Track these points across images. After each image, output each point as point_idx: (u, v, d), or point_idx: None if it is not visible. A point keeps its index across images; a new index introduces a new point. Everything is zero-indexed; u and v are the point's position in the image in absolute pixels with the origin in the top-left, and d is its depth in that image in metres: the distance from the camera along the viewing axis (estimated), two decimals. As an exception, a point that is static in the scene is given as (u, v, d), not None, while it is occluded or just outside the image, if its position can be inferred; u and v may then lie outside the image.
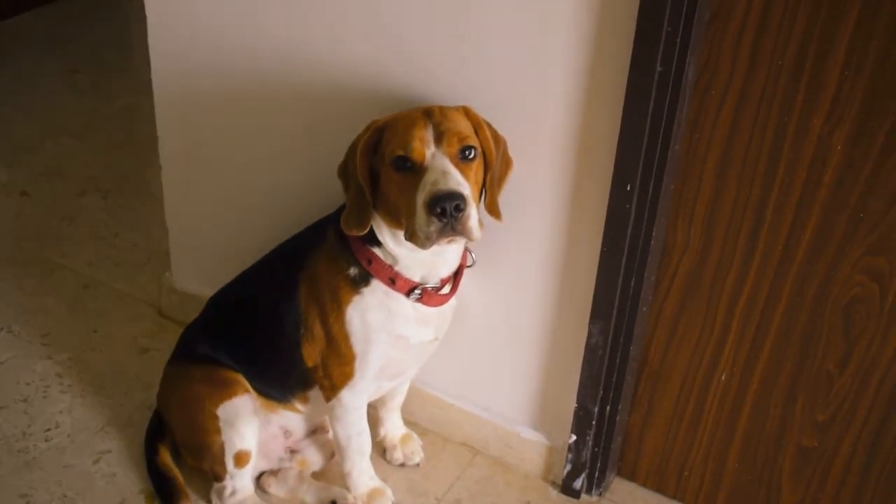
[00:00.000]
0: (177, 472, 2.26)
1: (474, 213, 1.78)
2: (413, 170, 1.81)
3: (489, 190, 1.92)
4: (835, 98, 1.74)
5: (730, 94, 1.83)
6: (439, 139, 1.81)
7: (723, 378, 2.11)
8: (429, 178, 1.78)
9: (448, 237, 1.79)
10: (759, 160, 1.86)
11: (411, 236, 1.81)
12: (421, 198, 1.77)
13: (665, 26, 1.75)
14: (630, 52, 1.80)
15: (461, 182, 1.78)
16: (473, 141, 1.85)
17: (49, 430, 2.45)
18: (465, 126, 1.85)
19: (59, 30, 4.65)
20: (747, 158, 1.87)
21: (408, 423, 2.46)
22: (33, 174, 3.51)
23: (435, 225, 1.76)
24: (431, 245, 1.80)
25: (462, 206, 1.75)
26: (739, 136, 1.86)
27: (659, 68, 1.79)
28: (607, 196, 1.95)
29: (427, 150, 1.81)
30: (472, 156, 1.84)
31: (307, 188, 2.32)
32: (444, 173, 1.78)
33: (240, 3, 2.20)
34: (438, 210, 1.74)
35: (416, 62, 2.04)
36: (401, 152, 1.81)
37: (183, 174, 2.57)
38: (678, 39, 1.76)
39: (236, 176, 2.46)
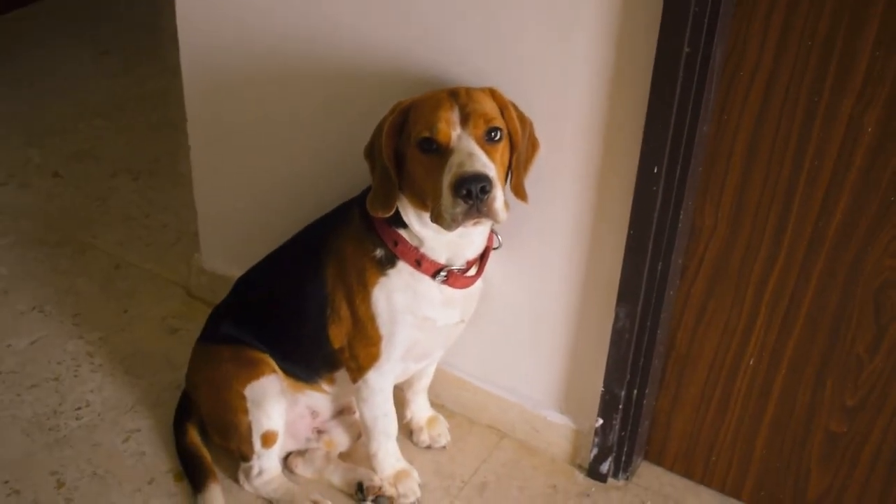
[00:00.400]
0: (205, 452, 2.28)
1: (500, 195, 1.78)
2: (439, 151, 1.81)
3: (515, 171, 1.91)
4: (866, 79, 1.72)
5: (759, 75, 1.81)
6: (465, 120, 1.81)
7: (751, 362, 2.09)
8: (454, 159, 1.77)
9: (474, 219, 1.78)
10: (789, 142, 1.84)
11: (437, 218, 1.81)
12: (447, 179, 1.77)
13: (692, 6, 1.72)
14: (657, 34, 1.78)
15: (487, 164, 1.78)
16: (499, 122, 1.84)
17: (79, 408, 2.48)
18: (491, 107, 1.85)
19: (90, 12, 4.69)
20: (777, 140, 1.85)
21: (434, 405, 2.46)
22: (65, 156, 3.54)
23: (461, 207, 1.75)
24: (457, 227, 1.79)
25: (488, 187, 1.74)
26: (769, 117, 1.84)
27: (686, 49, 1.77)
28: (634, 178, 1.93)
29: (453, 131, 1.80)
30: (497, 137, 1.83)
31: (334, 170, 2.32)
32: (470, 155, 1.77)
33: (267, -16, 2.21)
34: (464, 192, 1.73)
35: (443, 44, 2.03)
36: (426, 133, 1.81)
37: (211, 156, 2.58)
38: (706, 20, 1.74)
39: (264, 158, 2.47)
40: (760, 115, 1.84)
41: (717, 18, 1.74)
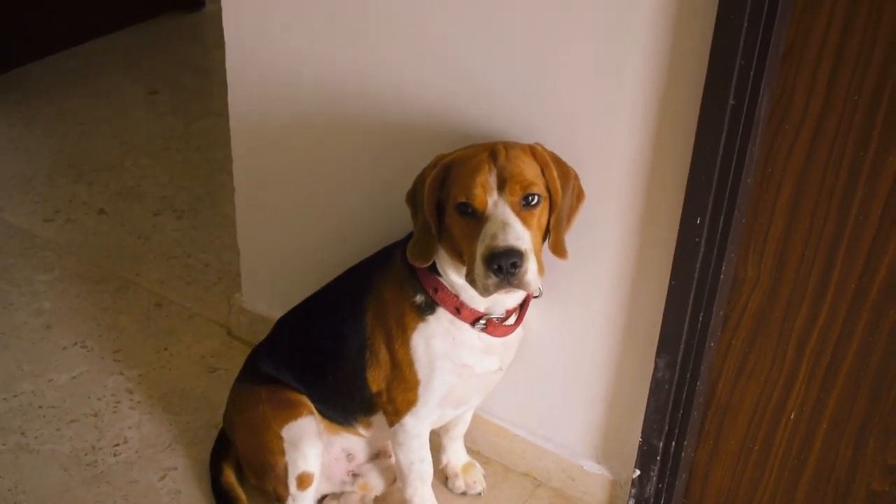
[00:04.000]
0: (240, 492, 2.28)
1: (532, 268, 1.78)
2: (475, 216, 1.82)
3: (554, 231, 1.90)
4: (913, 134, 1.71)
5: (804, 128, 1.80)
6: (502, 186, 1.81)
7: (792, 416, 2.07)
8: (488, 229, 1.78)
9: (505, 289, 1.80)
10: (833, 196, 1.83)
11: (471, 282, 1.83)
12: (479, 249, 1.78)
13: (738, 59, 1.73)
14: (702, 85, 1.78)
15: (521, 235, 1.78)
16: (537, 188, 1.83)
17: (118, 444, 2.50)
18: (530, 170, 1.84)
19: (140, 52, 4.76)
20: (821, 193, 1.84)
21: (470, 451, 2.45)
22: (111, 193, 3.59)
23: (492, 279, 1.78)
24: (489, 295, 1.82)
25: (519, 262, 1.75)
26: (813, 170, 1.83)
27: (731, 101, 1.77)
28: (677, 229, 1.93)
29: (489, 197, 1.81)
30: (535, 202, 1.83)
31: (377, 215, 2.34)
32: (504, 225, 1.78)
33: (317, 32, 2.23)
34: (496, 266, 1.75)
35: (488, 96, 2.04)
36: (463, 199, 1.82)
37: (255, 198, 2.61)
38: (751, 73, 1.74)
39: (308, 201, 2.49)
40: (805, 168, 1.83)
41: (763, 71, 1.74)
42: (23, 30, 4.49)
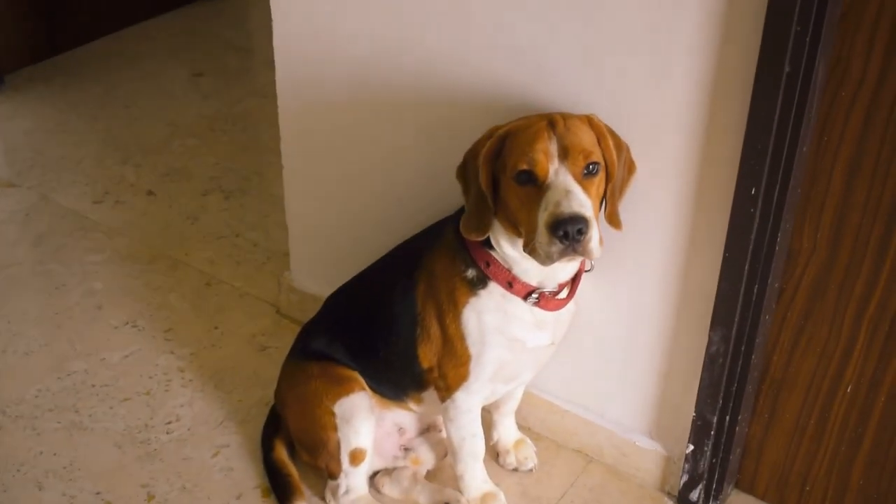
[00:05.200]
0: (292, 469, 2.29)
1: (596, 234, 1.77)
2: (535, 184, 1.80)
3: (610, 200, 1.89)
4: (975, 99, 1.67)
5: (861, 94, 1.77)
6: (564, 154, 1.79)
7: (849, 389, 2.04)
8: (551, 197, 1.76)
9: (569, 256, 1.78)
10: (892, 163, 1.79)
11: (531, 252, 1.81)
12: (543, 217, 1.76)
13: (794, 25, 1.69)
14: (757, 52, 1.75)
15: (584, 203, 1.76)
16: (597, 156, 1.82)
17: (170, 422, 2.52)
18: (589, 140, 1.82)
19: (184, 35, 4.79)
20: (879, 160, 1.80)
21: (522, 428, 2.44)
22: (159, 174, 3.61)
23: (556, 246, 1.75)
24: (551, 263, 1.80)
25: (584, 229, 1.74)
26: (871, 136, 1.79)
27: (787, 68, 1.73)
28: (731, 200, 1.90)
29: (551, 165, 1.79)
30: (595, 171, 1.82)
31: (426, 191, 2.33)
32: (568, 193, 1.76)
33: (364, 9, 2.22)
34: (561, 233, 1.73)
35: (539, 69, 2.02)
36: (524, 166, 1.80)
37: (304, 176, 2.61)
38: (808, 38, 1.71)
39: (356, 178, 2.49)
40: (863, 135, 1.80)
41: (820, 37, 1.71)
42: (68, 15, 4.53)
